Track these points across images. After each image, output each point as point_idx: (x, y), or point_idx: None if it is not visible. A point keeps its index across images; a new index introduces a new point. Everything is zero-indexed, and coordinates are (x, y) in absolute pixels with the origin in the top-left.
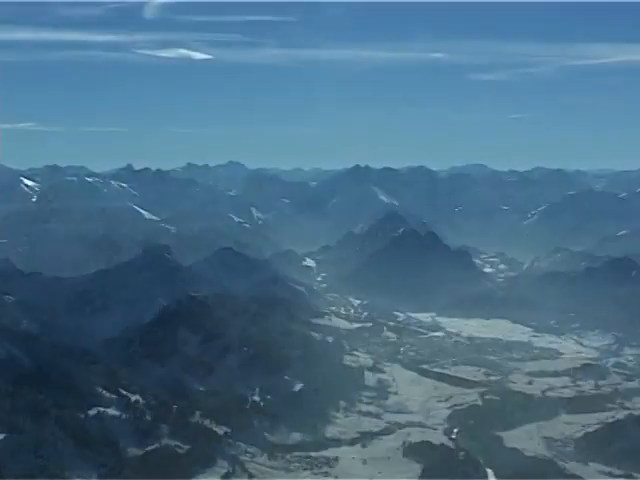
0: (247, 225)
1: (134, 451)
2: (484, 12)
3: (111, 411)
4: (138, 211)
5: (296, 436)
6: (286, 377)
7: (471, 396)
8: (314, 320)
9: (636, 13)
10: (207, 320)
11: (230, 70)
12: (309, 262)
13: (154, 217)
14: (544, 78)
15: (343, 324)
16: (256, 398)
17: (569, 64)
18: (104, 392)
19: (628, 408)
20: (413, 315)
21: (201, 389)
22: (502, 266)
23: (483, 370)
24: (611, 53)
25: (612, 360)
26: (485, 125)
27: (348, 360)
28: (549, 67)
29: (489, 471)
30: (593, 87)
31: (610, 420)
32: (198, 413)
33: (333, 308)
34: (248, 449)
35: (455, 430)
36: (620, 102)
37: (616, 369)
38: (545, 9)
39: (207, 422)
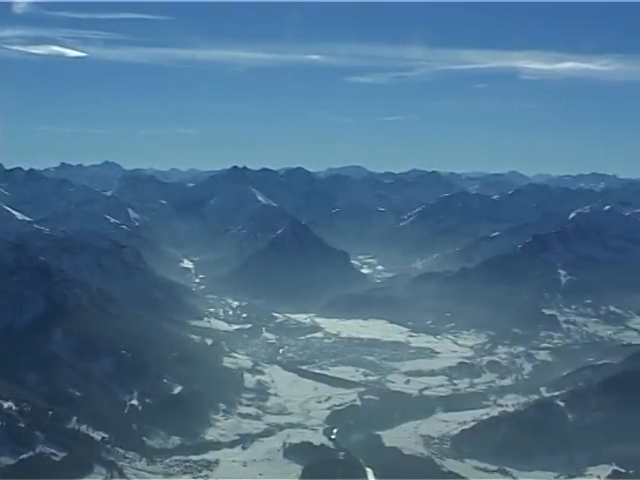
0: (123, 226)
1: (6, 460)
2: (360, 15)
3: None
4: (10, 212)
5: (175, 440)
6: (165, 380)
7: (350, 396)
8: (193, 322)
9: (505, 19)
10: (83, 323)
11: (105, 68)
12: (187, 263)
13: (27, 218)
14: (419, 82)
15: (222, 326)
16: (134, 402)
17: (443, 69)
18: None
19: (502, 405)
20: (292, 316)
21: (77, 394)
22: (379, 267)
23: (362, 370)
24: (482, 59)
25: (486, 359)
26: (361, 127)
27: (227, 362)
28: (423, 71)
29: (369, 470)
30: (466, 91)
31: (485, 417)
32: (75, 419)
33: (212, 310)
34: (126, 454)
35: (335, 430)
36: (491, 107)
37: (490, 367)
38: (420, 13)
39: (84, 428)
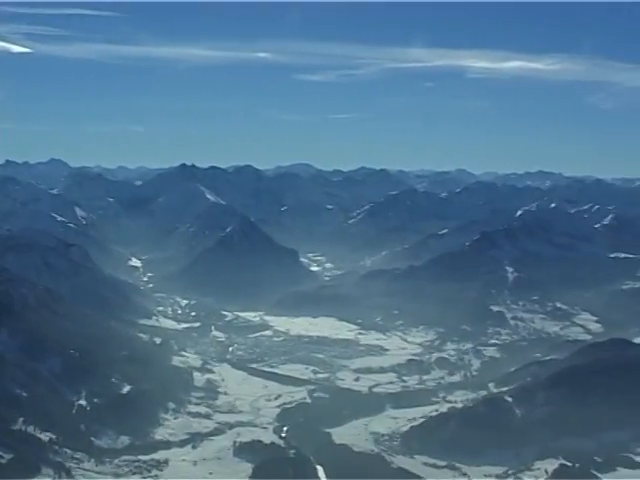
0: (70, 225)
1: None
2: (308, 13)
3: None
4: None
5: (124, 440)
6: (113, 380)
7: (300, 394)
8: (141, 321)
9: (453, 18)
10: (29, 323)
11: (51, 65)
12: (135, 262)
13: None
14: (367, 80)
15: (171, 324)
16: (82, 402)
17: (391, 67)
18: None
19: (450, 401)
20: (241, 314)
21: (24, 394)
22: (328, 265)
23: (311, 368)
24: (430, 57)
25: (435, 355)
26: (310, 125)
27: (176, 361)
28: (372, 69)
29: (319, 468)
30: (414, 90)
31: (434, 413)
32: (21, 420)
33: (161, 308)
34: (75, 455)
35: (285, 428)
36: (439, 105)
37: (439, 364)
38: (368, 12)
39: (31, 429)
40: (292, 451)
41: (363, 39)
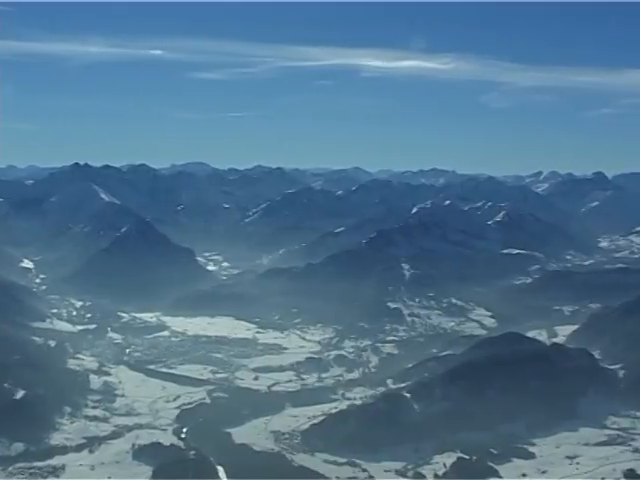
0: None
1: None
2: (202, 11)
3: None
4: None
5: (19, 446)
6: (6, 385)
7: (199, 394)
8: (34, 324)
9: (347, 17)
10: None
11: None
12: (27, 263)
13: None
14: (262, 78)
15: (66, 327)
16: None
17: (285, 65)
18: None
19: (350, 398)
20: (138, 315)
21: None
22: (225, 264)
23: (210, 368)
24: (325, 56)
25: (334, 353)
26: (205, 123)
27: (72, 364)
28: (266, 67)
29: (220, 468)
30: (309, 88)
31: (333, 411)
32: None
33: (55, 310)
34: None
35: (184, 429)
36: (334, 103)
37: (337, 361)
38: (262, 10)
39: None
40: (192, 452)
41: (258, 37)
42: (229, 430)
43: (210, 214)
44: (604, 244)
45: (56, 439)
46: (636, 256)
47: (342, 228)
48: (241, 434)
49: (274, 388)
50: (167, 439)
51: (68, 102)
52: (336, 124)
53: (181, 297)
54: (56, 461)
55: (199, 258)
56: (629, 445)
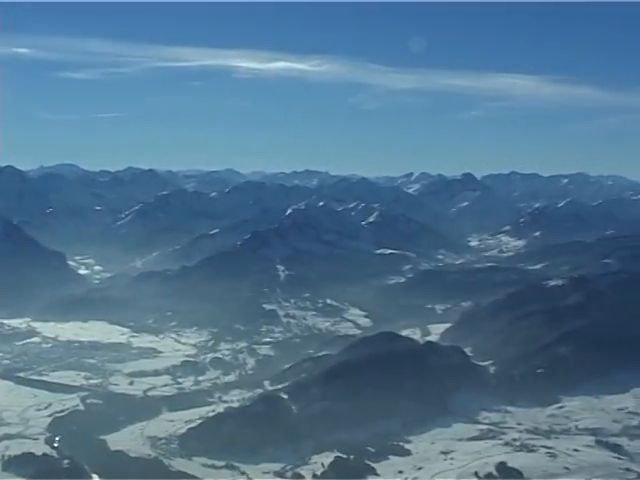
0: None
1: None
2: (70, 9)
3: None
4: None
5: None
6: None
7: (72, 401)
8: None
9: (219, 18)
10: None
11: None
12: None
13: None
14: (133, 78)
15: None
16: None
17: (157, 65)
18: None
19: (227, 401)
20: (6, 321)
21: None
22: (97, 267)
23: (83, 374)
24: (197, 56)
25: (210, 356)
26: (74, 124)
27: None
28: (137, 67)
29: (95, 476)
30: (181, 89)
31: (211, 414)
32: None
33: None
34: None
35: (57, 438)
36: (207, 104)
37: (214, 364)
38: (131, 9)
39: None
40: (66, 461)
41: (130, 37)
42: (104, 437)
43: (81, 217)
44: (474, 243)
45: None
46: (505, 255)
47: (216, 230)
48: (116, 440)
49: (150, 393)
50: (39, 449)
51: None
52: (209, 125)
53: (52, 302)
54: None
55: (70, 262)
56: (500, 439)
